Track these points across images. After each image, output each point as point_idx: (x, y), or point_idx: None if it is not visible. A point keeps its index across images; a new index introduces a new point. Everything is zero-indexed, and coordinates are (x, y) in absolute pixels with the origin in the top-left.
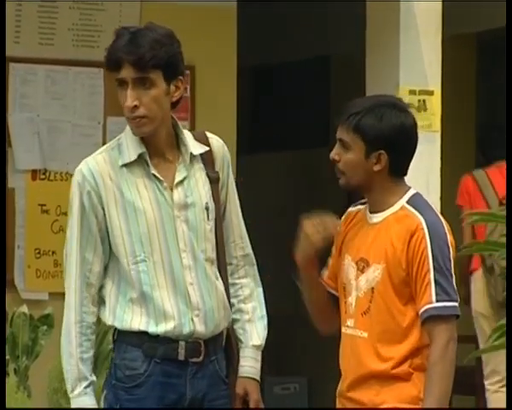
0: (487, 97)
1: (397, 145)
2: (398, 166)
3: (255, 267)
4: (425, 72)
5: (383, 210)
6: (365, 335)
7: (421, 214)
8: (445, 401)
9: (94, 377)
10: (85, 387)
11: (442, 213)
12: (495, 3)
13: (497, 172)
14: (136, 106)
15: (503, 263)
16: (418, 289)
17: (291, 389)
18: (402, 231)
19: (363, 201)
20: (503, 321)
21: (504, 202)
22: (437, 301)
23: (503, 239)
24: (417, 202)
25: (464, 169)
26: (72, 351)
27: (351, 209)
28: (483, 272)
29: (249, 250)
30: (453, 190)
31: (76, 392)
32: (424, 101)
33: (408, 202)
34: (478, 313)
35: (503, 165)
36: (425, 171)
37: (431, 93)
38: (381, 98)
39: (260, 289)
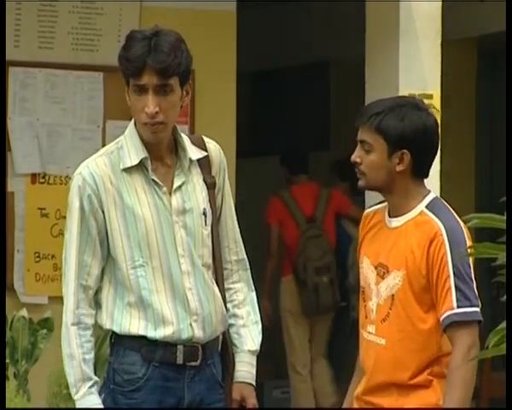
0: (487, 101)
1: (419, 145)
2: (420, 167)
3: (249, 272)
4: (424, 76)
5: (403, 214)
6: (383, 342)
7: (440, 220)
8: (464, 407)
9: (97, 378)
10: (90, 387)
11: None
12: (495, 8)
13: (299, 190)
14: (156, 112)
15: (316, 279)
16: (439, 295)
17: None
18: (421, 238)
19: (379, 201)
20: (503, 324)
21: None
22: (458, 307)
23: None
24: (437, 206)
25: (464, 173)
26: (74, 353)
27: (367, 211)
28: (294, 279)
29: (243, 255)
30: (453, 194)
31: (81, 393)
32: None
33: (427, 207)
34: (285, 310)
35: (304, 182)
36: None
37: (430, 97)
38: (402, 99)
39: (253, 294)
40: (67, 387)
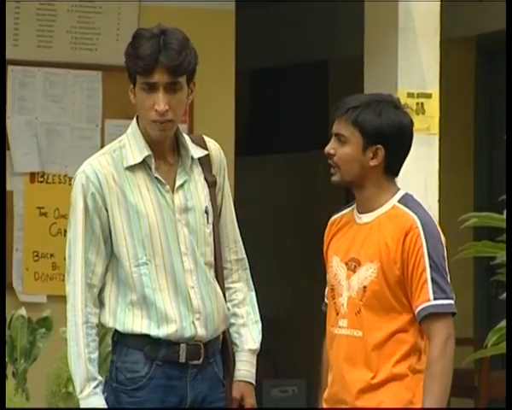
0: (486, 100)
1: (394, 142)
2: (393, 164)
3: (248, 271)
4: (423, 74)
5: (374, 209)
6: (360, 333)
7: (415, 213)
8: (444, 400)
9: (101, 378)
10: (94, 387)
11: (440, 216)
12: (494, 7)
13: None
14: (166, 110)
15: None
16: (414, 287)
17: (289, 391)
18: (396, 231)
19: (347, 205)
20: (502, 323)
21: None
22: (434, 299)
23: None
24: (409, 201)
25: (462, 172)
26: (81, 352)
27: (334, 217)
28: None
29: (243, 254)
30: (451, 193)
31: (85, 393)
32: (422, 103)
33: (399, 202)
34: None
35: None
36: (423, 173)
37: (429, 96)
38: (380, 95)
39: (253, 294)
40: (66, 386)
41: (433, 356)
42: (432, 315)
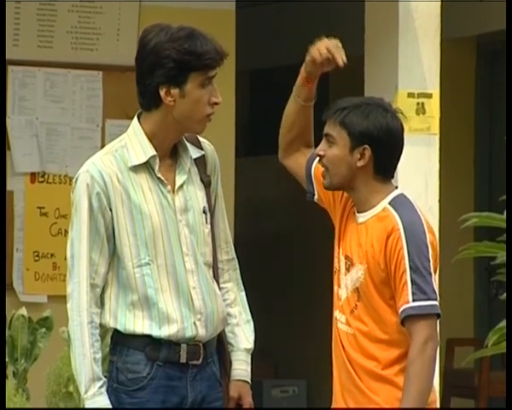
0: (486, 100)
1: (381, 143)
2: (383, 166)
3: (238, 272)
4: (424, 75)
5: (367, 210)
6: (353, 332)
7: (399, 215)
8: (422, 401)
9: (105, 378)
10: (100, 387)
11: (440, 216)
12: (494, 6)
13: None
14: None
15: None
16: (396, 289)
17: (290, 391)
18: (380, 233)
19: None
20: (502, 323)
21: None
22: (413, 300)
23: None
24: (398, 202)
25: (463, 172)
26: (86, 352)
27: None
28: None
29: (233, 255)
30: (452, 193)
31: (90, 392)
32: (423, 104)
33: (390, 203)
34: None
35: None
36: (424, 173)
37: (429, 96)
38: (370, 98)
39: (243, 294)
40: (66, 386)
41: (411, 358)
42: (411, 317)
